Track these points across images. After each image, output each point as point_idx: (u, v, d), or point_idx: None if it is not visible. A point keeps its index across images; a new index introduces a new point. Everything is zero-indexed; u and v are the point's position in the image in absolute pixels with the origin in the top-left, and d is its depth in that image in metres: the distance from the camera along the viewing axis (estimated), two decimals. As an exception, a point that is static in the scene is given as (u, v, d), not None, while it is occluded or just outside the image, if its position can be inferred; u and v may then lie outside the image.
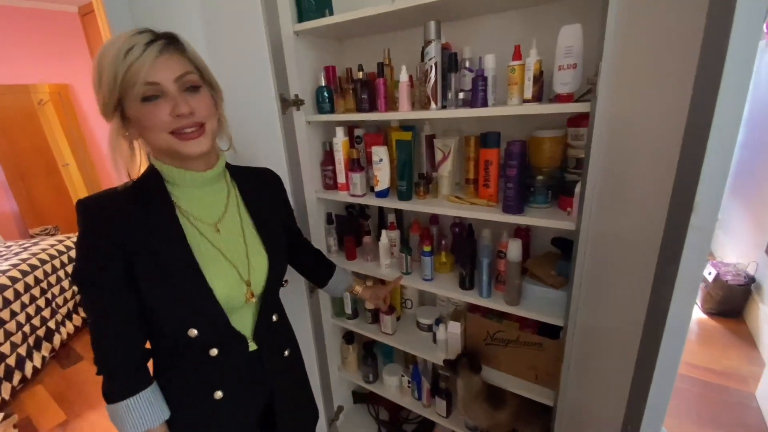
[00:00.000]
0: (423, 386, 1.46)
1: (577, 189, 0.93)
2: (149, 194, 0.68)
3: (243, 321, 0.78)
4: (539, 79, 0.94)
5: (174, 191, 0.71)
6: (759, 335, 2.22)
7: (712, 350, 2.20)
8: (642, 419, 0.46)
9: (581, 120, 0.98)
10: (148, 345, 0.73)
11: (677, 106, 0.52)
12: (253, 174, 0.86)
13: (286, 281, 1.07)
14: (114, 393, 0.67)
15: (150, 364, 0.73)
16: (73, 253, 2.73)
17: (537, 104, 0.94)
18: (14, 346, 2.11)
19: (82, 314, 2.73)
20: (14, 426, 1.83)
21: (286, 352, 0.88)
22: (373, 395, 1.74)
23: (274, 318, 0.84)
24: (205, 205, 0.73)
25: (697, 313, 2.54)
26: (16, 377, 2.09)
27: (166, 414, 0.72)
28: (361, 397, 1.84)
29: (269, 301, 0.82)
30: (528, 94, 0.94)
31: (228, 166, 0.81)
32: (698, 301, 2.59)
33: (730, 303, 2.44)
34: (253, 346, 0.79)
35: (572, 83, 0.89)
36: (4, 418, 1.78)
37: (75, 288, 2.68)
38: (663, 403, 0.45)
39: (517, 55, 0.95)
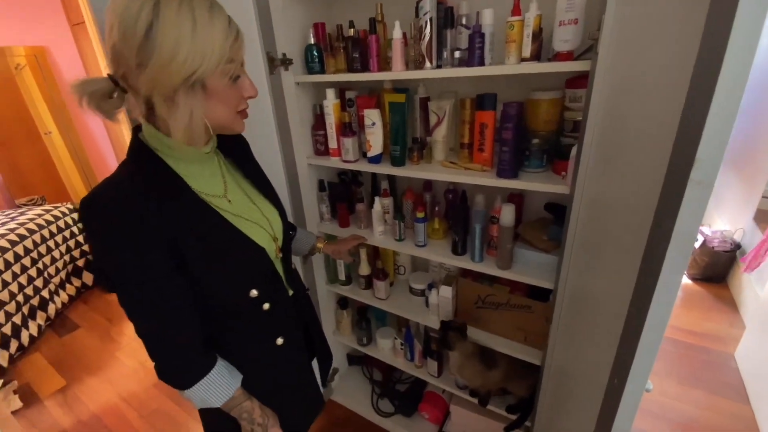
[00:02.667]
0: (415, 348, 1.50)
1: (573, 152, 0.91)
2: (157, 177, 0.63)
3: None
4: (538, 36, 0.90)
5: (179, 170, 0.66)
6: (741, 299, 2.30)
7: (695, 313, 2.28)
8: (630, 370, 0.47)
9: (580, 81, 0.95)
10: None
11: (682, 62, 0.50)
12: (227, 138, 0.82)
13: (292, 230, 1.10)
14: (189, 379, 0.68)
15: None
16: (62, 223, 2.68)
17: (535, 63, 0.91)
18: (8, 316, 2.11)
19: (76, 284, 2.73)
20: (14, 392, 1.86)
21: (308, 291, 0.98)
22: (367, 357, 1.79)
23: (293, 265, 0.90)
24: (208, 179, 0.72)
25: (682, 279, 2.61)
26: (13, 345, 2.11)
27: (239, 375, 0.76)
28: (355, 359, 1.89)
29: (287, 250, 0.86)
30: (526, 52, 0.91)
31: None
32: (684, 267, 2.66)
33: (715, 269, 2.51)
34: (290, 292, 0.86)
35: (573, 40, 0.86)
36: (4, 384, 1.81)
37: (66, 258, 2.65)
38: (651, 353, 0.46)
39: (516, 10, 0.90)
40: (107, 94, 0.59)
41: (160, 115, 0.58)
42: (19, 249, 2.28)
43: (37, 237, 2.45)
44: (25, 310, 2.24)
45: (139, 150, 0.64)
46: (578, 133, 0.90)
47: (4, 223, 2.44)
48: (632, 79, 0.70)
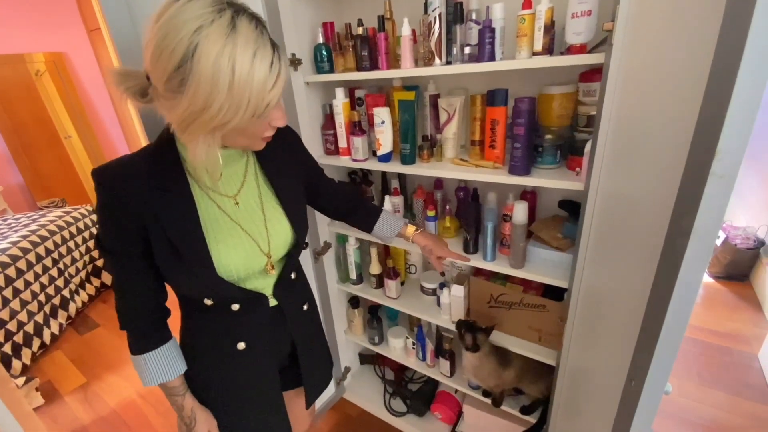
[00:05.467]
0: (427, 347, 1.49)
1: (587, 148, 0.89)
2: (165, 167, 0.65)
3: (264, 282, 0.79)
4: (550, 29, 0.88)
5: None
6: (765, 298, 2.22)
7: (717, 313, 2.21)
8: (647, 372, 0.46)
9: (594, 74, 0.93)
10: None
11: (701, 51, 0.48)
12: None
13: (306, 243, 1.06)
14: (135, 347, 0.73)
15: (172, 318, 0.78)
16: (82, 224, 2.76)
17: (547, 57, 0.89)
18: (31, 315, 2.17)
19: (96, 284, 2.80)
20: (36, 389, 1.92)
21: (305, 307, 0.91)
22: (379, 356, 1.78)
23: (293, 276, 0.86)
24: (225, 177, 0.72)
25: (703, 277, 2.53)
26: (35, 343, 2.17)
27: (181, 368, 0.77)
28: (367, 358, 1.89)
29: (289, 263, 0.82)
30: (538, 46, 0.89)
31: None
32: (705, 265, 2.58)
33: (738, 267, 2.42)
34: (273, 302, 0.82)
35: (586, 32, 0.84)
36: (26, 381, 1.86)
37: (86, 258, 2.73)
38: (670, 355, 0.45)
39: (528, 3, 0.88)
40: (141, 92, 0.58)
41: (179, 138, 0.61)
42: (41, 250, 2.35)
43: (57, 238, 2.52)
44: (47, 309, 2.31)
45: (163, 136, 0.66)
46: (592, 127, 0.88)
47: (26, 225, 2.52)
48: (649, 70, 0.68)
